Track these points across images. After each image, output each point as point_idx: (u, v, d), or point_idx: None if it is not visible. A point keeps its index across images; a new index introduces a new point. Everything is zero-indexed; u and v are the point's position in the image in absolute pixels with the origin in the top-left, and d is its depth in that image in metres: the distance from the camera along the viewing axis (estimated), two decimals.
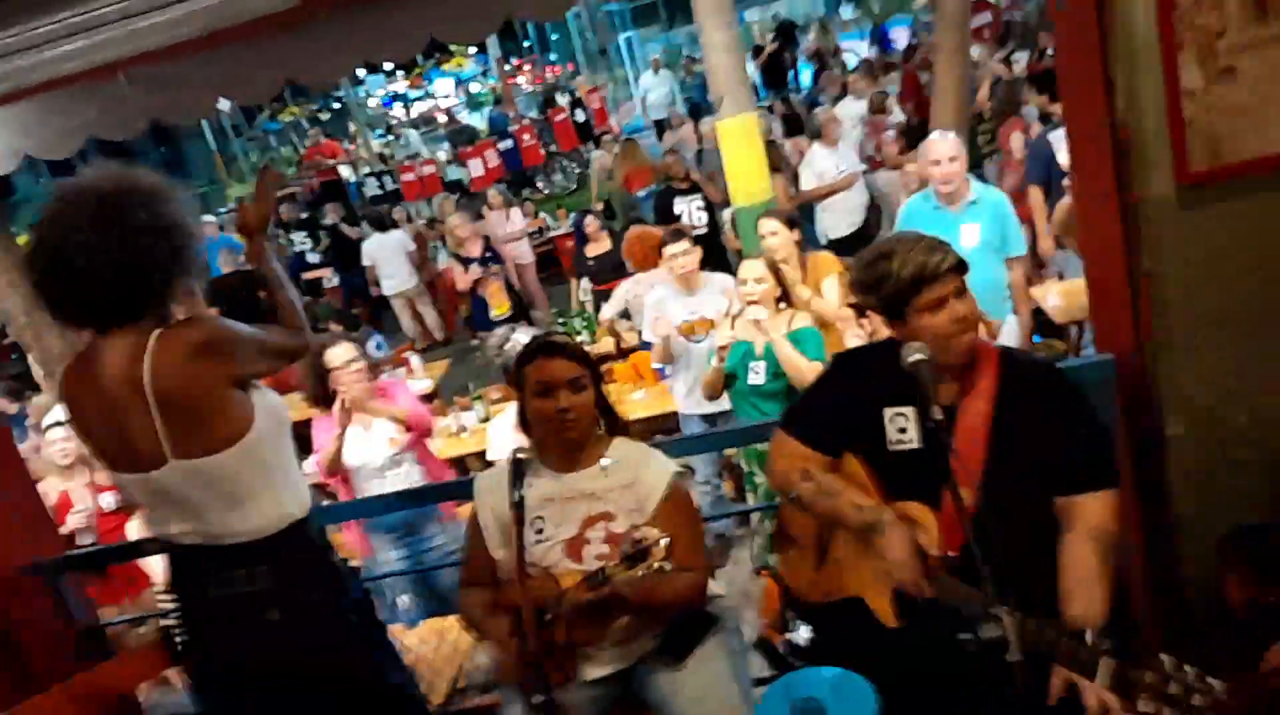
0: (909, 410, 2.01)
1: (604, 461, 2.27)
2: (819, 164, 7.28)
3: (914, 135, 7.36)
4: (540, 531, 2.24)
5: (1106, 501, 1.90)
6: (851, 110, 8.32)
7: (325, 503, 5.07)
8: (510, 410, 4.00)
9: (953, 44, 6.82)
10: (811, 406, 2.25)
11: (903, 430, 2.01)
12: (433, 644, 3.31)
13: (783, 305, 3.90)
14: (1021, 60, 9.23)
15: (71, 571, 3.06)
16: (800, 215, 5.25)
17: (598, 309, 6.83)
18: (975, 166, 6.85)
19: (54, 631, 2.96)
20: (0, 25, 2.25)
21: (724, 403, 4.25)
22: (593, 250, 7.42)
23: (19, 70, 2.31)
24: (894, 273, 1.93)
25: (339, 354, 3.77)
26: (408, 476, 3.89)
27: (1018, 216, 4.40)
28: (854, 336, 4.12)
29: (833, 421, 2.13)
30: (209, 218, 13.39)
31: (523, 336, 4.22)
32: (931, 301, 1.93)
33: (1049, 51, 8.96)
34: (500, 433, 4.00)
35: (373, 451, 3.85)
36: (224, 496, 1.99)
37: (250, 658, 2.09)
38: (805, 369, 3.61)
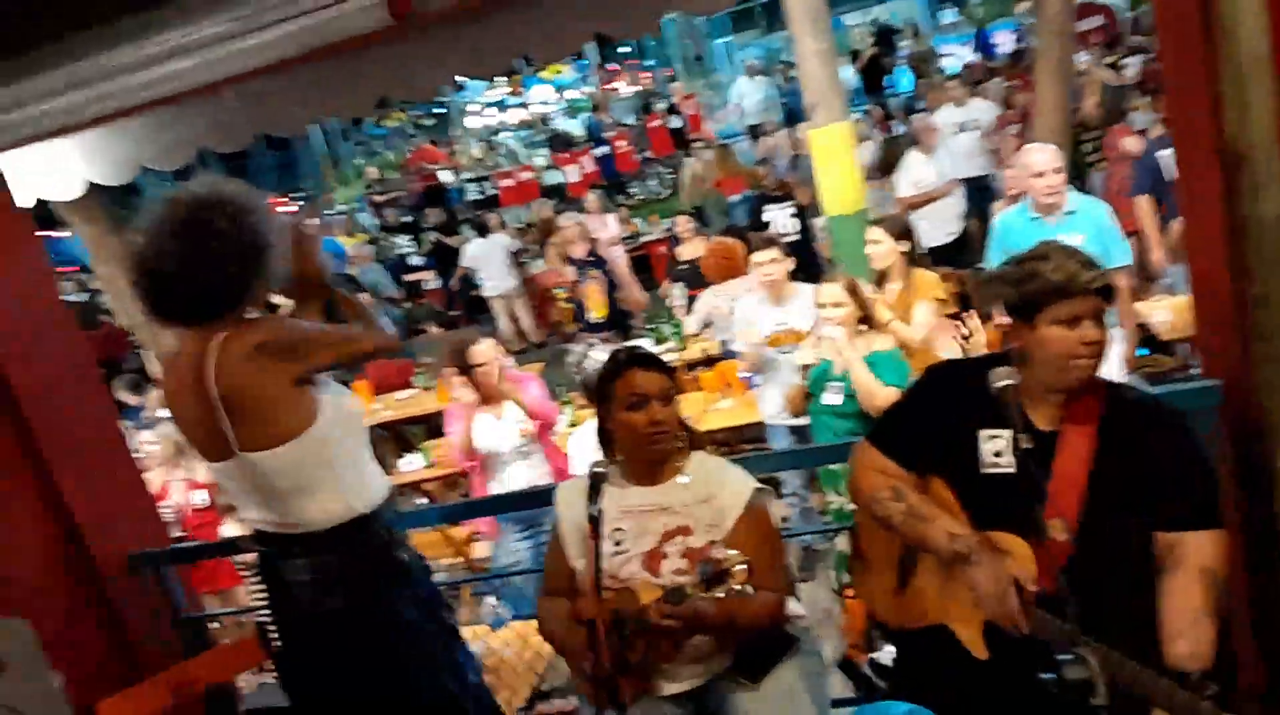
0: (1005, 433, 1.93)
1: (681, 478, 2.27)
2: (916, 171, 7.14)
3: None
4: (619, 544, 2.24)
5: (1215, 541, 1.81)
6: (952, 117, 8.12)
7: (420, 502, 5.24)
8: (588, 424, 4.07)
9: (1055, 52, 6.54)
10: (902, 420, 2.17)
11: (998, 453, 1.94)
12: (516, 647, 3.36)
13: (864, 327, 3.82)
14: (1131, 65, 8.87)
15: (175, 564, 3.20)
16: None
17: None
18: (1078, 177, 6.61)
19: (158, 621, 3.10)
20: (115, 45, 2.37)
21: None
22: (686, 253, 7.39)
23: (134, 87, 2.43)
24: (1042, 274, 1.86)
25: (484, 350, 4.14)
26: (535, 466, 4.17)
27: (1124, 228, 4.25)
28: (946, 349, 4.02)
29: (924, 438, 2.06)
30: (314, 222, 13.88)
31: (600, 353, 4.34)
32: (1068, 315, 1.85)
33: None
34: (580, 446, 4.08)
35: (503, 438, 4.13)
36: (288, 488, 2.10)
37: (314, 645, 2.17)
38: (879, 394, 3.55)
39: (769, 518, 2.28)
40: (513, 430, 4.16)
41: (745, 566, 1.90)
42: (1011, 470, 1.92)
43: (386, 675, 2.16)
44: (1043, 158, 4.18)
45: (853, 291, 3.78)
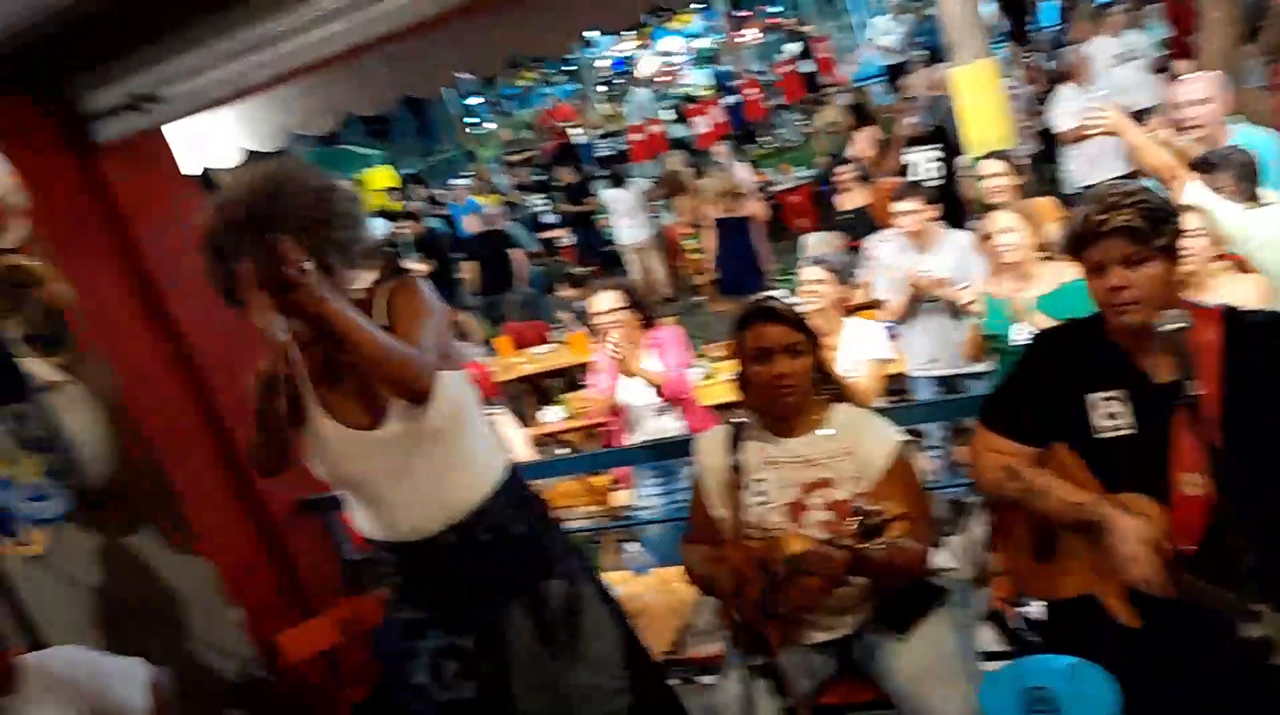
0: (1119, 393, 1.83)
1: (822, 431, 2.24)
2: (1068, 106, 6.72)
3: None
4: (760, 494, 2.24)
5: None
6: (1108, 48, 7.58)
7: (561, 452, 5.36)
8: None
9: None
10: (1010, 395, 2.08)
11: (1112, 416, 1.84)
12: (660, 593, 3.40)
13: (1043, 253, 3.54)
14: None
15: (339, 509, 3.38)
16: (1044, 159, 4.87)
17: None
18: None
19: (324, 563, 3.29)
20: (268, 15, 2.47)
21: (957, 365, 4.08)
22: (845, 203, 7.16)
23: (283, 56, 2.53)
24: (1073, 218, 1.82)
25: (602, 301, 3.91)
26: (670, 422, 3.98)
27: None
28: None
29: (1036, 410, 1.97)
30: (457, 181, 14.24)
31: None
32: (1092, 263, 1.80)
33: None
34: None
35: (638, 396, 3.98)
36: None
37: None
38: None
39: (913, 469, 2.24)
40: (648, 389, 3.97)
41: (903, 519, 1.87)
42: (1129, 431, 1.83)
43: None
44: (1190, 88, 3.86)
45: (1024, 216, 3.55)
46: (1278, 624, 1.33)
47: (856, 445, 2.20)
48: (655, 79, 17.95)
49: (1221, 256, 3.00)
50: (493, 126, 19.32)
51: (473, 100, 20.06)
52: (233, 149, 3.34)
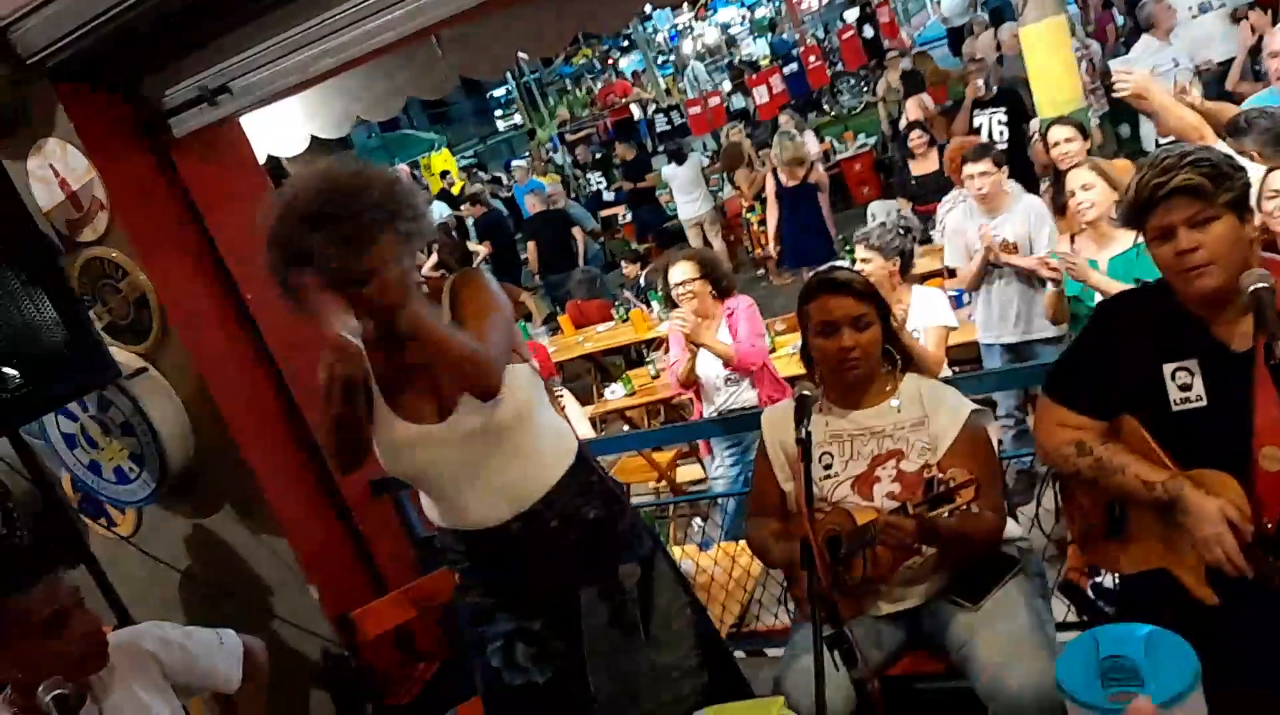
0: (1192, 363, 1.76)
1: (893, 401, 2.22)
2: (1146, 61, 6.48)
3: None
4: (829, 467, 2.23)
5: None
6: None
7: (623, 428, 5.38)
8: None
9: None
10: (1077, 365, 2.01)
11: (1187, 386, 1.77)
12: (726, 566, 3.42)
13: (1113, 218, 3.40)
14: None
15: (409, 489, 3.46)
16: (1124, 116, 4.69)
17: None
18: None
19: (397, 542, 3.37)
20: (328, 4, 2.51)
21: (1029, 332, 4.02)
22: (919, 168, 7.02)
23: (348, 43, 2.57)
24: (1129, 185, 1.76)
25: (677, 273, 3.99)
26: (743, 394, 4.03)
27: None
28: None
29: (1103, 382, 1.90)
30: (519, 162, 14.35)
31: None
32: (1156, 229, 1.73)
33: None
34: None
35: (711, 368, 4.04)
36: None
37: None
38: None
39: (987, 439, 2.21)
40: (718, 361, 4.03)
41: (972, 486, 1.85)
42: (1204, 402, 1.76)
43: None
44: None
45: (1102, 173, 3.46)
46: None
47: (927, 416, 2.18)
48: (713, 50, 17.80)
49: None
50: (554, 103, 19.35)
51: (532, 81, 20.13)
52: (301, 136, 3.40)
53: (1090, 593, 2.58)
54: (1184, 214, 1.70)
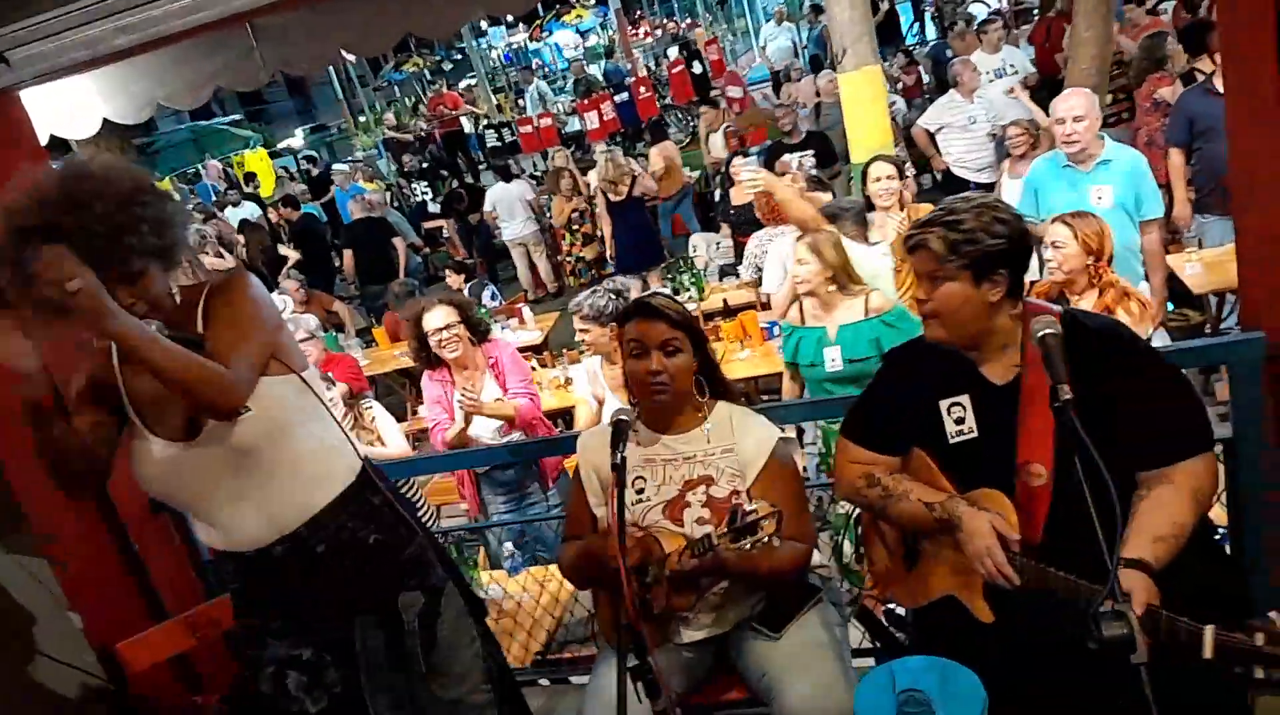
0: (964, 398, 1.95)
1: (705, 427, 2.23)
2: (947, 116, 6.94)
3: (1041, 92, 6.98)
4: (640, 491, 2.22)
5: (1204, 464, 1.79)
6: (986, 63, 7.89)
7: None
8: (590, 359, 3.99)
9: None
10: (869, 408, 2.18)
11: (960, 420, 1.95)
12: (534, 593, 3.36)
13: (834, 287, 3.61)
14: (1166, 10, 8.60)
15: None
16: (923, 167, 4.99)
17: (739, 258, 6.71)
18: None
19: (178, 564, 3.11)
20: None
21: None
22: (739, 198, 7.22)
23: (146, 21, 2.37)
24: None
25: (435, 319, 3.74)
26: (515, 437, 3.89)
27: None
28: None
29: (891, 420, 2.08)
30: (340, 166, 13.81)
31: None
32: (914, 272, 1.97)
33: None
34: (579, 378, 4.00)
35: (483, 429, 3.88)
36: None
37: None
38: None
39: (794, 467, 2.25)
40: (493, 424, 3.86)
41: (774, 518, 1.87)
42: (975, 434, 1.94)
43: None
44: (1066, 103, 4.06)
45: (817, 251, 3.59)
46: (1137, 622, 1.37)
47: (737, 442, 2.21)
48: (548, 72, 17.85)
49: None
50: (380, 109, 18.84)
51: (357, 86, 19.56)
52: (93, 119, 3.12)
53: (884, 619, 2.69)
54: (924, 268, 1.91)
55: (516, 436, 3.86)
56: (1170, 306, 4.63)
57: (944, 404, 1.96)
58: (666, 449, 2.24)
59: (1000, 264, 1.86)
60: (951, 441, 1.96)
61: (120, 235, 1.71)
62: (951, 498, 1.90)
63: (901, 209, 4.57)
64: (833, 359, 3.65)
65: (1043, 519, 1.81)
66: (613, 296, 3.79)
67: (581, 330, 3.83)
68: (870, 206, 4.61)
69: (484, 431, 3.88)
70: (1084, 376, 1.69)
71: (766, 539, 1.86)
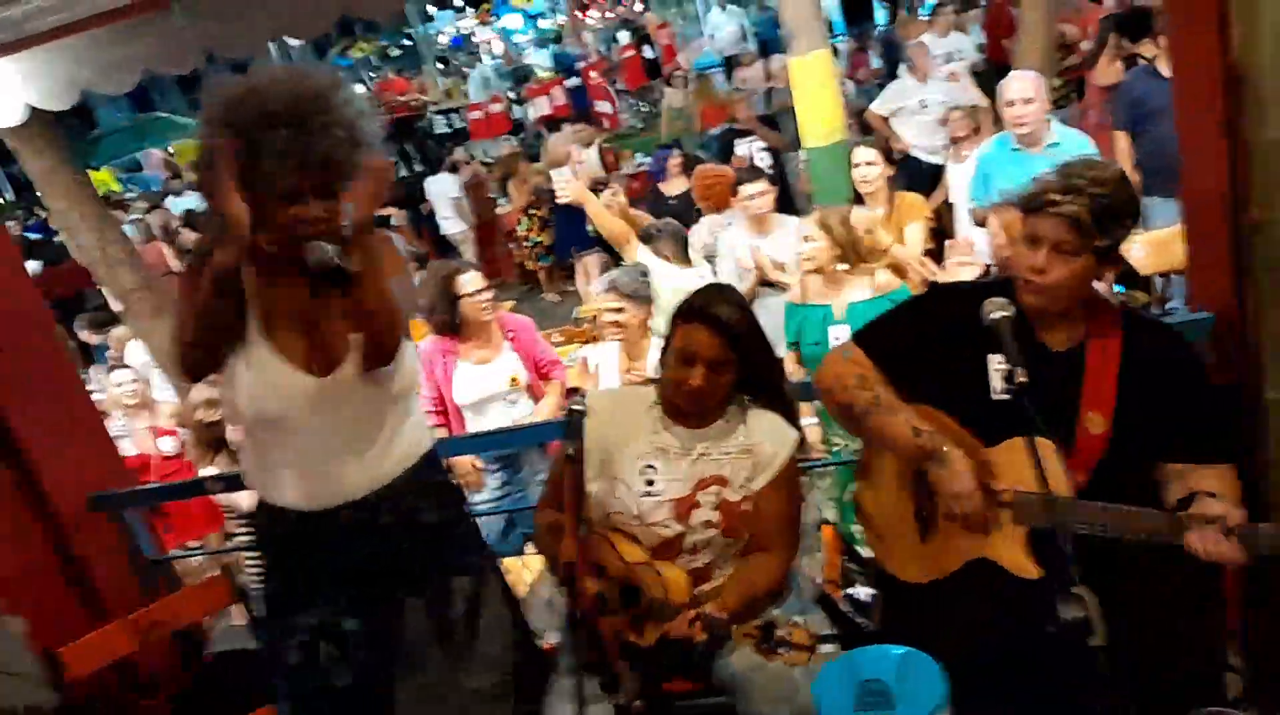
0: (1019, 359, 1.84)
1: (724, 423, 2.15)
2: (899, 100, 6.95)
3: (988, 77, 7.02)
4: (650, 484, 2.12)
5: (1227, 477, 1.80)
6: (935, 47, 7.91)
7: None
8: (608, 344, 3.80)
9: None
10: (896, 329, 2.06)
11: (1008, 378, 1.80)
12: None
13: (843, 266, 3.53)
14: None
15: (137, 505, 3.11)
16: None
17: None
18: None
19: (121, 565, 3.01)
20: None
21: None
22: (671, 189, 7.11)
23: (68, 1, 2.27)
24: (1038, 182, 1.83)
25: (468, 281, 3.72)
26: (521, 411, 3.85)
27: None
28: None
29: (916, 361, 1.97)
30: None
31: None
32: (1028, 233, 1.83)
33: None
34: (606, 364, 3.81)
35: (490, 387, 3.79)
36: None
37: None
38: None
39: (796, 473, 2.18)
40: (502, 378, 3.78)
41: (808, 636, 1.93)
42: (1023, 396, 1.81)
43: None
44: (1016, 86, 4.06)
45: (826, 227, 3.51)
46: (1096, 605, 1.37)
47: (756, 444, 2.12)
48: (499, 56, 17.64)
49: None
50: None
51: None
52: (18, 105, 3.00)
53: (843, 605, 2.67)
54: (1055, 234, 1.77)
55: (524, 409, 3.83)
56: (1119, 288, 4.69)
57: (994, 359, 1.87)
58: (681, 440, 2.14)
59: (1117, 252, 1.84)
60: (994, 398, 1.87)
61: (353, 151, 1.73)
62: (938, 434, 1.86)
63: (890, 203, 4.47)
64: (839, 338, 3.48)
65: (1091, 466, 1.82)
66: (640, 277, 3.69)
67: (614, 309, 3.61)
68: (858, 198, 4.57)
69: (488, 390, 3.78)
70: (1142, 362, 1.78)
71: (792, 653, 1.90)
